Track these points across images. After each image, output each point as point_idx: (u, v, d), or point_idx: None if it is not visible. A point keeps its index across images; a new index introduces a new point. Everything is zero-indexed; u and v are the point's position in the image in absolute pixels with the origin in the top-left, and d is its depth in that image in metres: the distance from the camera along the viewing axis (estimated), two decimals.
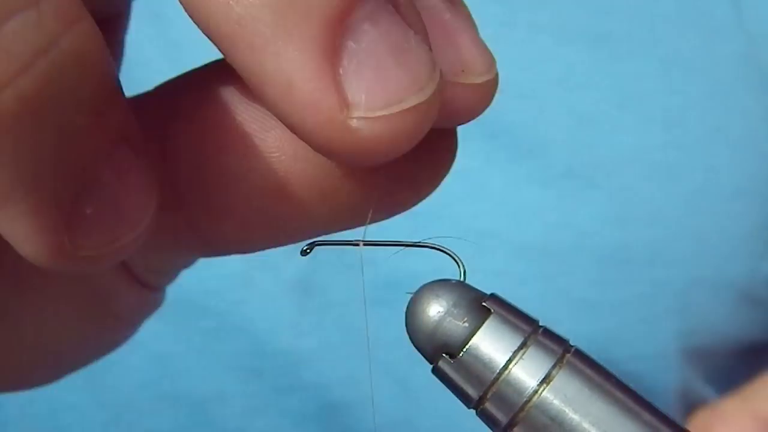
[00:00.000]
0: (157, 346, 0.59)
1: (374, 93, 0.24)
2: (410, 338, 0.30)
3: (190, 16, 0.24)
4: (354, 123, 0.24)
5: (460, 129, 0.57)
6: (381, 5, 0.24)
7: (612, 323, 0.57)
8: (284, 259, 0.58)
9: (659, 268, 0.58)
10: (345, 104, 0.24)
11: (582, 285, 0.57)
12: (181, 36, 0.59)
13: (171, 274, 0.36)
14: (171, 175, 0.30)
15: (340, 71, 0.24)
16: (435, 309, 0.30)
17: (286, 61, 0.23)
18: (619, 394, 0.30)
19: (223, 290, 0.58)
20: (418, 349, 0.30)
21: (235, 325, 0.59)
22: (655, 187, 0.59)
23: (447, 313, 0.30)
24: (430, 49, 0.25)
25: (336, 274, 0.58)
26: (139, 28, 0.59)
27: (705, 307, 0.58)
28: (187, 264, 0.36)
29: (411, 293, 0.30)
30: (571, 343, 0.30)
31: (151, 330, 0.59)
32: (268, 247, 0.32)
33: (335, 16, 0.23)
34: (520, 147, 0.58)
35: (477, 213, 0.58)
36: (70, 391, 0.59)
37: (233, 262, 0.59)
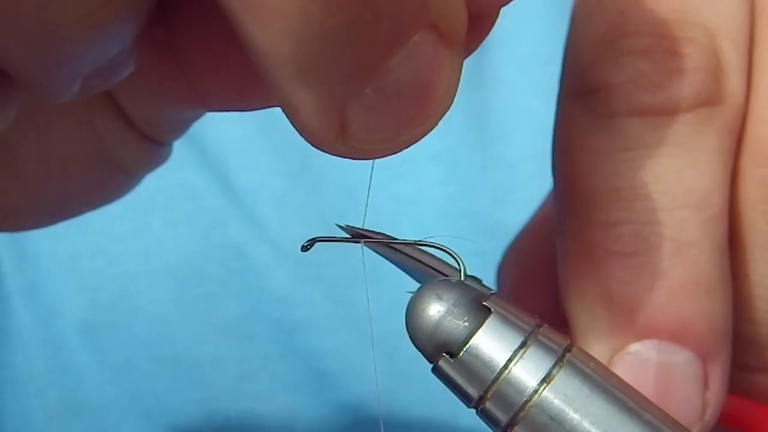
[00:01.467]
0: (155, 310, 0.59)
1: (376, 132, 0.24)
2: (410, 337, 0.30)
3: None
4: (347, 147, 0.24)
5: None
6: (422, 42, 0.23)
7: None
8: (279, 232, 0.58)
9: None
10: (343, 136, 0.24)
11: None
12: None
13: (174, 129, 0.36)
14: (165, 22, 0.29)
15: (348, 113, 0.23)
16: (435, 308, 0.30)
17: (297, 99, 0.23)
18: (619, 394, 0.30)
19: (221, 259, 0.59)
20: (419, 349, 0.30)
21: (230, 292, 0.59)
22: None
23: (447, 312, 0.30)
24: (462, 62, 0.25)
25: (331, 247, 0.58)
26: None
27: None
28: (187, 119, 0.35)
29: (411, 292, 0.30)
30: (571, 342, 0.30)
31: (150, 295, 0.60)
32: (265, 106, 0.31)
33: (359, 73, 0.23)
34: (490, 129, 0.58)
35: (452, 195, 0.58)
36: (73, 352, 0.60)
37: (232, 232, 0.59)
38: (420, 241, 0.31)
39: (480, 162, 0.58)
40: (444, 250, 0.31)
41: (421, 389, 0.58)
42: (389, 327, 0.54)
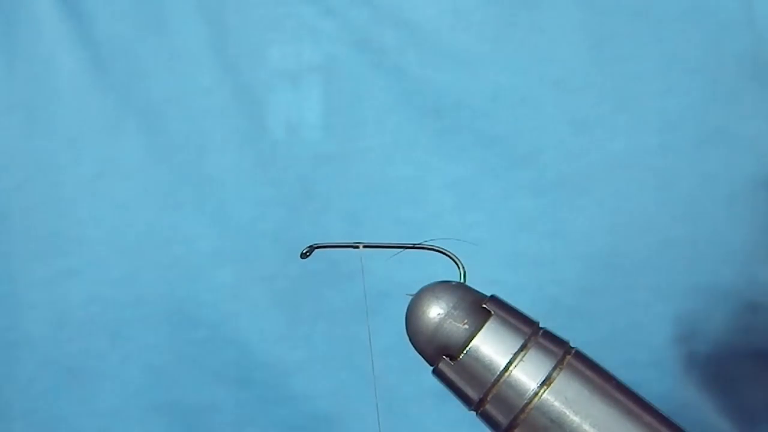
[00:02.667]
0: (149, 357, 0.59)
1: None
2: (410, 340, 0.30)
3: None
4: None
5: (453, 139, 0.58)
6: None
7: (605, 330, 0.57)
8: (276, 270, 0.58)
9: (653, 275, 0.57)
10: None
11: (574, 292, 0.57)
12: (182, 48, 0.59)
13: None
14: None
15: None
16: (435, 311, 0.30)
17: None
18: (619, 396, 0.30)
19: (214, 302, 0.58)
20: (419, 351, 0.30)
21: (225, 336, 0.58)
22: (649, 193, 0.58)
23: (447, 314, 0.30)
24: None
25: (328, 285, 0.57)
26: (141, 38, 0.60)
27: (702, 314, 0.58)
28: None
29: (411, 295, 0.30)
30: (571, 344, 0.30)
31: (144, 341, 0.59)
32: None
33: None
34: (513, 156, 0.58)
35: (470, 223, 0.57)
36: (64, 400, 0.59)
37: (225, 274, 0.59)
38: (419, 244, 0.31)
39: (501, 189, 0.57)
40: (443, 253, 0.31)
41: (423, 429, 0.57)
42: (390, 363, 0.54)
